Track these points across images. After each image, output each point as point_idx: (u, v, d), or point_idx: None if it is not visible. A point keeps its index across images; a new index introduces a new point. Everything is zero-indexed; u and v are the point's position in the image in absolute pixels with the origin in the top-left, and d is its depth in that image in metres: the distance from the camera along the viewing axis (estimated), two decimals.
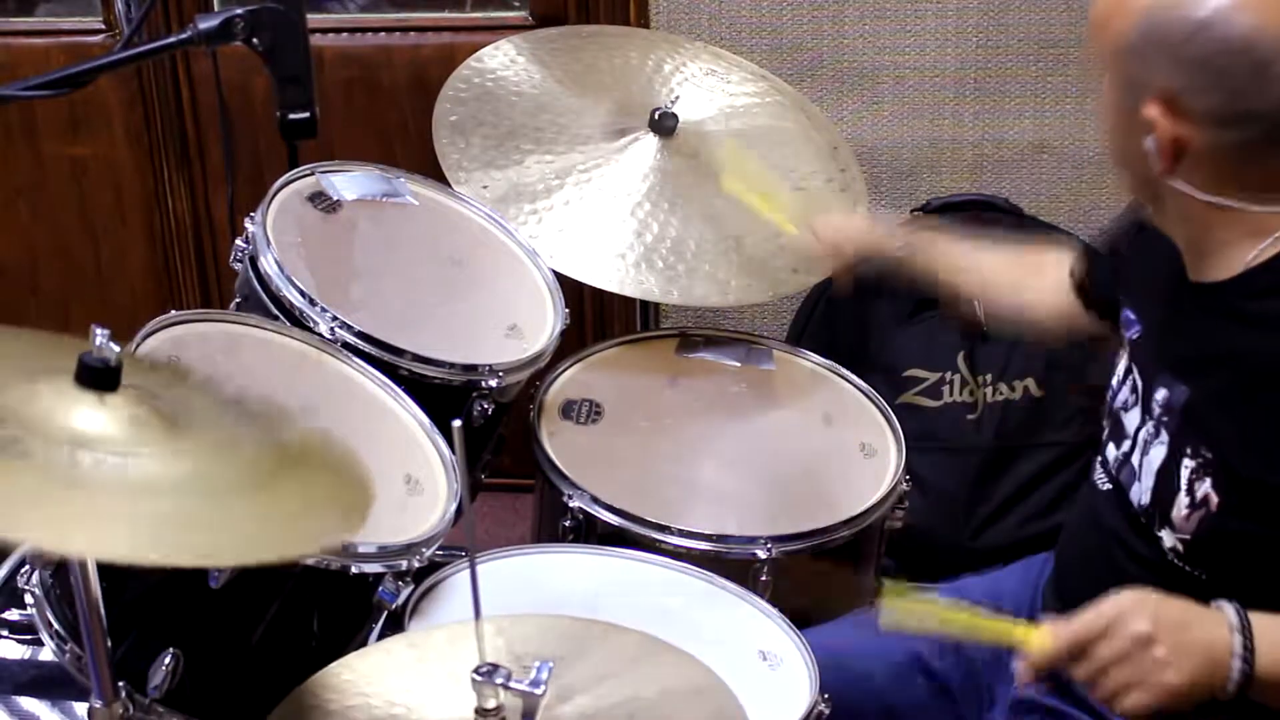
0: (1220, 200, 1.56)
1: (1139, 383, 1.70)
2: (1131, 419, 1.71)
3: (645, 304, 2.62)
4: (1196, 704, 1.48)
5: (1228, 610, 1.49)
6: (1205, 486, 1.58)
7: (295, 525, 1.38)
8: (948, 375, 2.72)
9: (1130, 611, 1.48)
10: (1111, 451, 1.74)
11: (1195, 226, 1.61)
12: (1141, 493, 1.66)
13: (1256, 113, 1.51)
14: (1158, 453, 1.64)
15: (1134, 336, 1.75)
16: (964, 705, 1.88)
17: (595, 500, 2.03)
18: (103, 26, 3.08)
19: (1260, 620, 1.49)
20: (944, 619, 1.61)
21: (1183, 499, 1.60)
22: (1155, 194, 1.62)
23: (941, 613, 1.62)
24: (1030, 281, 2.01)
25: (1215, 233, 1.59)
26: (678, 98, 2.41)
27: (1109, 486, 1.74)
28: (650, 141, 2.37)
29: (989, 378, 2.73)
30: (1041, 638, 1.54)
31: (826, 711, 1.73)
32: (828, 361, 2.38)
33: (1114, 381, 1.77)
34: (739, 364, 2.36)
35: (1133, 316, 1.76)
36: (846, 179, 2.47)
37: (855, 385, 2.34)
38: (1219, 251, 1.60)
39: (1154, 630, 1.47)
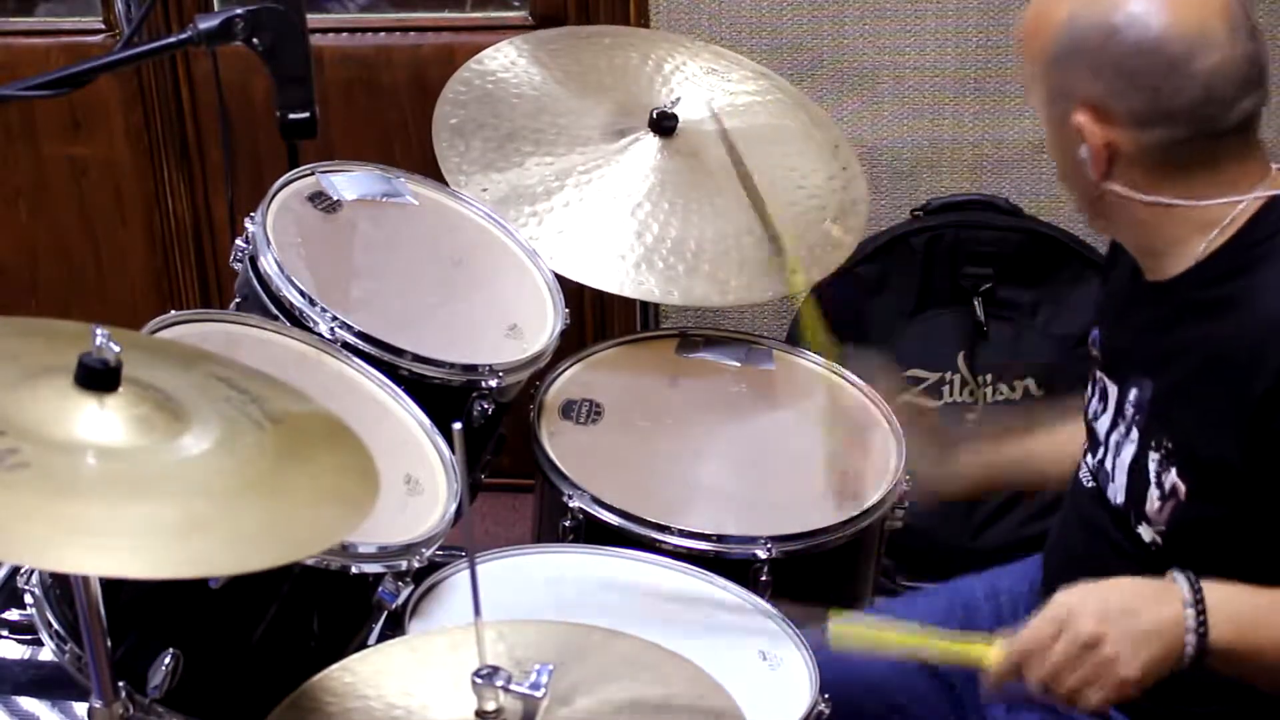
0: (1159, 199, 1.59)
1: (1110, 390, 1.73)
2: (1102, 425, 1.73)
3: (645, 304, 2.62)
4: (1157, 683, 1.49)
5: (1180, 583, 1.50)
6: (1172, 476, 1.60)
7: (302, 522, 1.39)
8: (948, 375, 2.73)
9: (1076, 612, 1.50)
10: (1089, 460, 1.76)
11: (1142, 229, 1.64)
12: (1116, 492, 1.68)
13: (1176, 110, 1.54)
14: (1128, 451, 1.67)
15: (1097, 348, 1.79)
16: (965, 699, 1.88)
17: (595, 500, 2.03)
18: (103, 26, 3.08)
19: (1214, 591, 1.49)
20: (895, 642, 1.63)
21: (1154, 492, 1.62)
22: (1100, 203, 1.64)
23: (891, 637, 1.63)
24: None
25: (1162, 232, 1.62)
26: (679, 98, 2.41)
27: (1092, 484, 1.75)
28: (650, 142, 2.37)
29: (989, 378, 2.73)
30: (996, 653, 1.54)
31: (826, 711, 1.73)
32: (828, 361, 2.38)
33: (1086, 397, 1.79)
34: (739, 364, 2.36)
35: (1095, 333, 1.80)
36: (847, 177, 2.47)
37: (855, 385, 2.34)
38: (1169, 250, 1.63)
39: (1100, 628, 1.48)
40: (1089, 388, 1.79)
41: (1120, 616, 1.49)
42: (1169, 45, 1.52)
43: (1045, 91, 1.62)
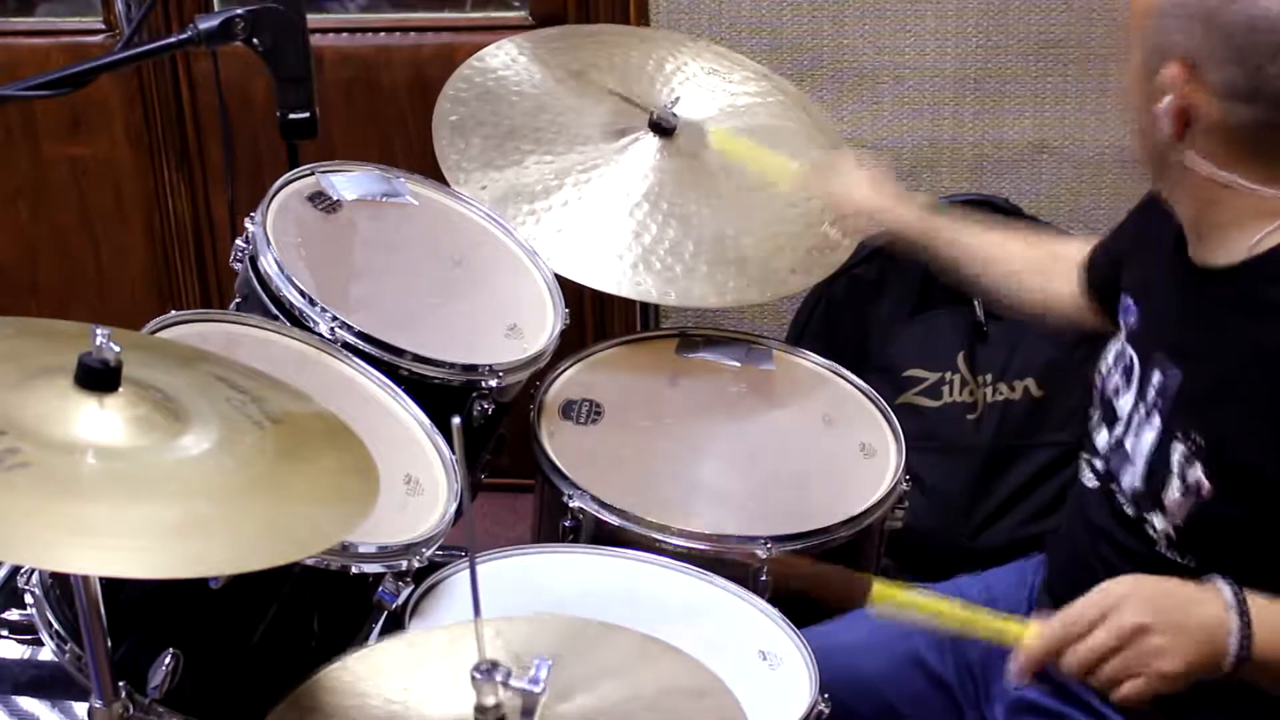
0: (1224, 176, 1.57)
1: (1135, 366, 1.70)
2: (1124, 403, 1.71)
3: (645, 304, 2.62)
4: (1192, 684, 1.48)
5: (1224, 589, 1.49)
6: (1197, 472, 1.58)
7: (302, 522, 1.39)
8: (948, 375, 2.73)
9: (1124, 600, 1.48)
10: (1102, 438, 1.74)
11: (1199, 202, 1.61)
12: (1134, 477, 1.66)
13: (1270, 93, 1.51)
14: (1149, 436, 1.64)
15: (1131, 321, 1.75)
16: (963, 702, 1.88)
17: (595, 500, 2.03)
18: (103, 26, 3.08)
19: (1256, 600, 1.48)
20: (935, 613, 1.62)
21: (1175, 484, 1.60)
22: (1163, 163, 1.62)
23: (932, 607, 1.62)
24: (1049, 270, 2.01)
25: (1218, 211, 1.59)
26: (678, 98, 2.41)
27: (1096, 484, 1.74)
28: (650, 142, 2.37)
29: (989, 378, 2.73)
30: (1033, 634, 1.53)
31: (826, 711, 1.73)
32: (828, 361, 2.38)
33: (1104, 369, 1.77)
34: (739, 364, 2.36)
35: (1131, 303, 1.76)
36: None
37: (855, 385, 2.34)
38: (1222, 232, 1.60)
39: (1150, 619, 1.46)
40: (1110, 361, 1.77)
41: (1169, 610, 1.47)
42: None
43: (1146, 36, 1.58)
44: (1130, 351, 1.72)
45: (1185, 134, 1.57)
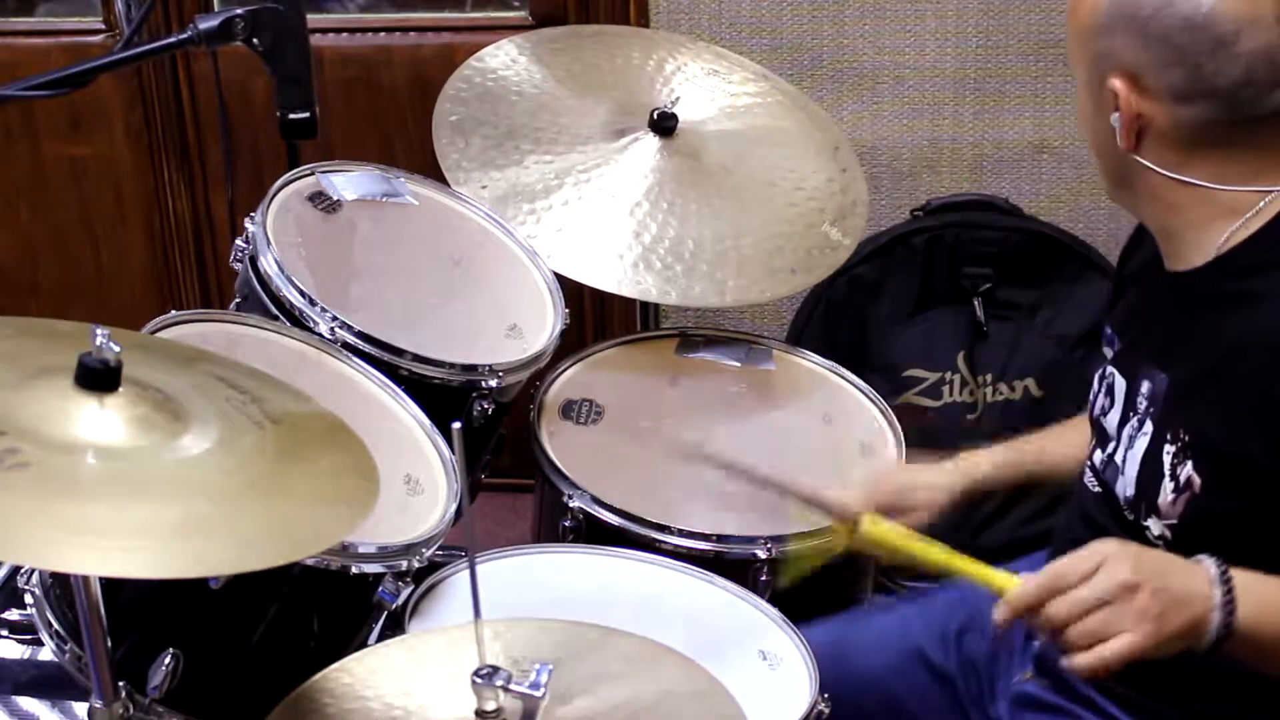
0: (1184, 178, 1.58)
1: (1120, 383, 1.71)
2: (1111, 420, 1.72)
3: (645, 304, 2.62)
4: (1170, 656, 1.47)
5: (1208, 564, 1.49)
6: (1188, 469, 1.59)
7: (302, 522, 1.39)
8: (948, 375, 2.73)
9: (1114, 558, 1.48)
10: (1097, 456, 1.76)
11: (1164, 208, 1.63)
12: (1126, 486, 1.67)
13: (1216, 89, 1.53)
14: (1141, 443, 1.66)
15: (1114, 348, 1.77)
16: (965, 698, 1.88)
17: (595, 500, 2.03)
18: (103, 26, 3.08)
19: (1242, 576, 1.48)
20: (918, 551, 1.61)
21: (1167, 484, 1.61)
22: (1125, 176, 1.63)
23: (916, 546, 1.62)
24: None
25: (1184, 214, 1.61)
26: (679, 98, 2.41)
27: (1098, 489, 1.75)
28: (650, 142, 2.37)
29: (989, 378, 2.73)
30: (1020, 583, 1.53)
31: (826, 711, 1.73)
32: (828, 361, 2.38)
33: (1091, 394, 1.78)
34: (739, 364, 2.36)
35: (1111, 332, 1.79)
36: (847, 180, 2.47)
37: (855, 385, 2.34)
38: (1190, 235, 1.61)
39: (1138, 577, 1.46)
40: (1095, 385, 1.78)
41: (1155, 574, 1.47)
42: (1218, 23, 1.51)
43: (1087, 55, 1.60)
44: (1112, 371, 1.74)
45: (1140, 144, 1.59)
